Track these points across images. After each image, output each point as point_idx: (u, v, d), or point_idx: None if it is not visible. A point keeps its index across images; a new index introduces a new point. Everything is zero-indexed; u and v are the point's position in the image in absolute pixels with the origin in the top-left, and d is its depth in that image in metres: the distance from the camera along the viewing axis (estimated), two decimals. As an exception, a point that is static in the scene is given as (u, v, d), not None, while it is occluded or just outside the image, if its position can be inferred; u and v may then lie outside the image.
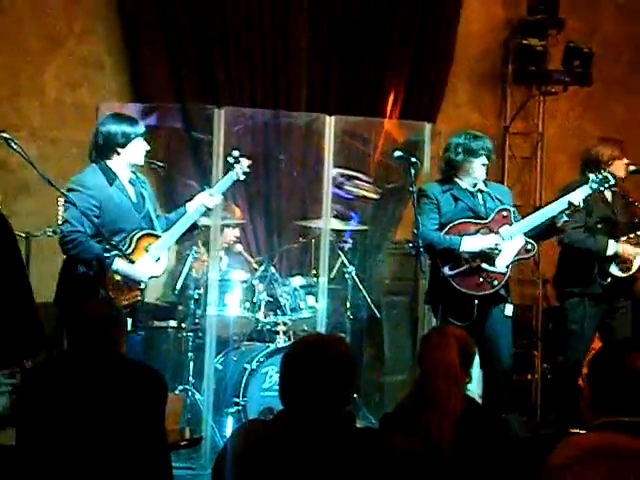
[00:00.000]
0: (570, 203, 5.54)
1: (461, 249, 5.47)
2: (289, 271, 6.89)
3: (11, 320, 2.54)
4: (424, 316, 6.11)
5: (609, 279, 5.95)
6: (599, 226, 5.83)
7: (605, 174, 5.65)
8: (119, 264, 4.97)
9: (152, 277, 5.18)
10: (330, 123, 6.13)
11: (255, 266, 6.72)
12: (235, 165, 5.41)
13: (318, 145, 6.54)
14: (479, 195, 5.67)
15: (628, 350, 2.72)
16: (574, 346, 6.04)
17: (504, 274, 5.55)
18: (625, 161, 6.01)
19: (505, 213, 5.64)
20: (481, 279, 5.52)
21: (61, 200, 5.72)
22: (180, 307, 6.39)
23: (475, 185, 5.65)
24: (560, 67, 7.79)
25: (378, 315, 6.77)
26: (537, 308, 8.02)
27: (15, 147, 4.64)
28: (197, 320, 6.12)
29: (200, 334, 6.07)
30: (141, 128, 5.16)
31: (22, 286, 2.60)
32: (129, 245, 5.04)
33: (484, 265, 5.52)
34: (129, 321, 4.97)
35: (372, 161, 7.19)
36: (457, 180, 5.63)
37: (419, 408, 3.61)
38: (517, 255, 5.61)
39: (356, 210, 6.98)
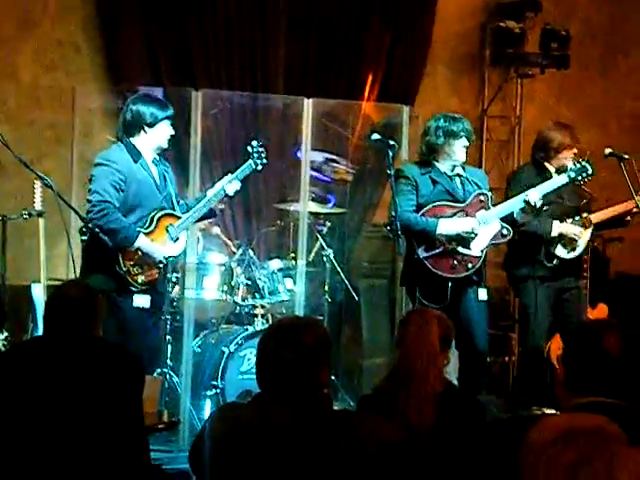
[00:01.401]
0: (526, 202, 5.58)
1: (437, 232, 5.48)
2: (267, 254, 6.87)
3: None
4: (402, 299, 6.12)
5: (555, 261, 6.03)
6: (545, 208, 5.87)
7: (584, 163, 5.71)
8: (142, 240, 5.04)
9: (170, 257, 5.29)
10: (308, 106, 6.12)
11: (233, 249, 6.70)
12: (254, 155, 5.52)
13: (296, 128, 6.52)
14: (457, 179, 5.68)
15: (604, 331, 2.74)
16: (531, 328, 6.12)
17: (479, 258, 5.57)
18: (575, 150, 6.07)
19: (482, 197, 5.65)
20: (455, 262, 5.53)
21: (37, 182, 5.70)
22: (158, 290, 6.38)
23: (454, 168, 5.66)
24: (537, 50, 7.80)
25: (356, 298, 6.78)
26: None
27: (-3, 135, 4.62)
28: (175, 303, 6.11)
29: (178, 317, 6.06)
30: (170, 111, 5.28)
31: None
32: (150, 223, 5.17)
33: (459, 248, 5.53)
34: (148, 299, 5.12)
35: (350, 144, 7.19)
36: (436, 163, 5.63)
37: (397, 390, 3.63)
38: (493, 239, 5.63)
39: (334, 193, 6.98)
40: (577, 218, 6.10)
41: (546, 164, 6.10)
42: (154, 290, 5.28)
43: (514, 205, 5.63)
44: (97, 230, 4.90)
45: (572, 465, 1.72)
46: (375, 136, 5.59)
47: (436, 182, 5.61)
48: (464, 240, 5.53)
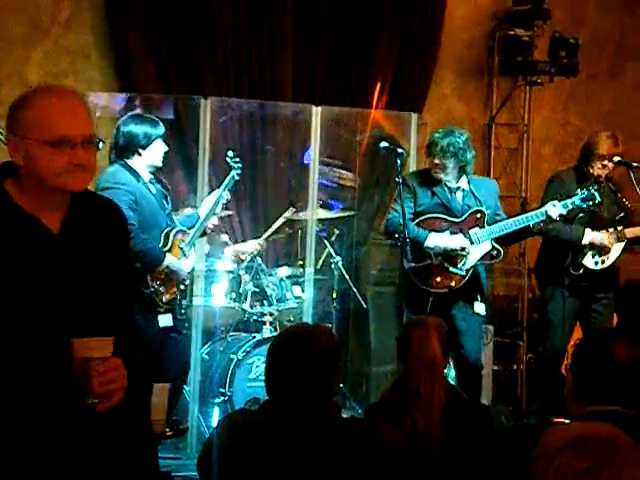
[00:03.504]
0: (548, 216, 5.54)
1: (426, 244, 5.47)
2: (275, 261, 6.89)
3: None
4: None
5: (581, 270, 5.98)
6: (581, 215, 5.84)
7: (593, 192, 5.62)
8: (169, 259, 5.07)
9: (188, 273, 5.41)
10: (317, 113, 6.13)
11: (241, 257, 6.71)
12: (234, 164, 5.59)
13: (305, 136, 6.53)
14: (458, 192, 5.65)
15: (610, 339, 2.74)
16: (553, 336, 6.10)
17: (463, 277, 5.54)
18: (609, 164, 6.00)
19: (478, 215, 5.61)
20: (439, 278, 5.52)
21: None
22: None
23: (459, 180, 5.63)
24: (546, 58, 7.79)
25: (364, 305, 6.78)
26: (522, 298, 8.04)
27: (1, 137, 4.63)
28: (183, 310, 6.11)
29: (186, 324, 6.07)
30: (162, 129, 5.26)
31: None
32: (166, 241, 5.17)
33: (445, 264, 5.51)
34: (169, 317, 5.12)
35: (358, 152, 7.19)
36: (440, 175, 5.60)
37: (404, 404, 3.62)
38: (480, 260, 5.60)
39: (339, 199, 6.98)
40: (611, 230, 6.04)
41: (589, 170, 6.02)
42: (173, 308, 5.31)
43: (509, 226, 5.58)
44: None
45: (582, 474, 1.72)
46: (383, 144, 5.60)
47: (435, 194, 5.60)
48: (451, 257, 5.52)
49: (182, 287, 5.39)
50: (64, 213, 2.56)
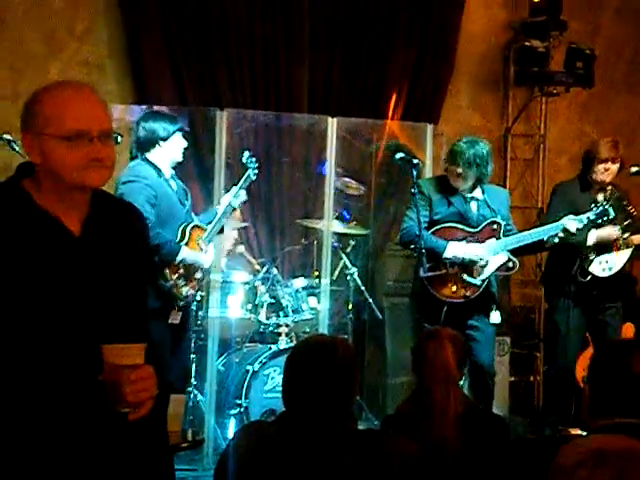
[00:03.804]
0: (565, 229, 5.53)
1: (445, 254, 5.45)
2: (291, 273, 6.89)
3: None
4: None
5: (589, 277, 5.95)
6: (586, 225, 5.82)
7: (607, 207, 5.62)
8: (185, 252, 5.09)
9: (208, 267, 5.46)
10: (332, 125, 6.14)
11: (257, 268, 6.71)
12: (250, 165, 5.61)
13: (320, 147, 6.54)
14: (473, 202, 5.64)
15: (628, 351, 2.72)
16: (562, 347, 6.06)
17: (478, 287, 5.52)
18: (611, 167, 5.98)
19: (495, 226, 5.60)
20: (454, 287, 5.50)
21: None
22: (182, 308, 6.39)
23: (472, 190, 5.62)
24: (562, 69, 7.78)
25: (380, 316, 6.77)
26: (539, 309, 8.02)
27: (17, 149, 4.66)
28: (199, 321, 6.13)
29: (202, 335, 6.08)
30: (180, 124, 5.34)
31: None
32: (182, 236, 5.22)
33: (461, 274, 5.50)
34: (179, 315, 5.15)
35: (374, 163, 7.19)
36: (459, 184, 5.59)
37: (420, 414, 3.61)
38: (497, 270, 5.58)
39: (348, 209, 6.97)
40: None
41: (592, 176, 6.00)
42: (189, 305, 5.35)
43: (526, 238, 5.57)
44: None
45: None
46: (399, 155, 5.59)
47: (451, 203, 5.59)
48: (469, 267, 5.50)
49: (202, 291, 5.41)
50: (84, 215, 2.49)
